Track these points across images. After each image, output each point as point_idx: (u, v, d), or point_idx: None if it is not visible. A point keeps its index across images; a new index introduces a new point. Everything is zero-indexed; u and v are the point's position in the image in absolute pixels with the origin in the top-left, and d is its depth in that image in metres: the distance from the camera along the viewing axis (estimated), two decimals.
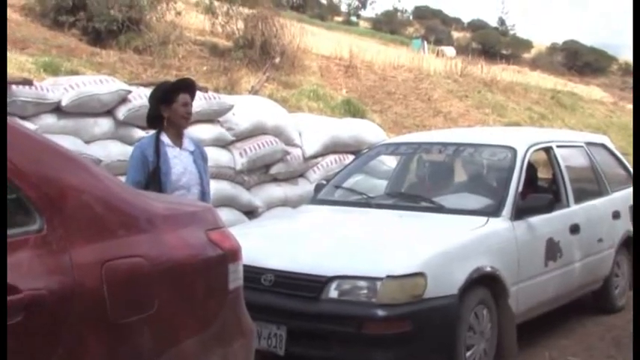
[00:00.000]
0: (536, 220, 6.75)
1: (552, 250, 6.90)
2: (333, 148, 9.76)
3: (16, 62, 10.47)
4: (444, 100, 19.78)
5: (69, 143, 7.23)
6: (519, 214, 6.62)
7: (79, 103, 7.63)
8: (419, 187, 7.77)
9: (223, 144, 8.74)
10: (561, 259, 7.02)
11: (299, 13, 46.14)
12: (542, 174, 8.61)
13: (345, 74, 19.48)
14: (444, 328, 5.55)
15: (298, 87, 16.22)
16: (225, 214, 8.17)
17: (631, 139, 13.40)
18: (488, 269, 6.00)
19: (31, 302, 2.78)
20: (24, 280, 2.79)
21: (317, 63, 19.32)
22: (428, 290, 5.47)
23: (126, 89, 8.05)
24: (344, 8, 71.61)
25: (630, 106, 26.14)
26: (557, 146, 7.80)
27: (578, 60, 57.42)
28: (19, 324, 2.74)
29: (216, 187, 7.83)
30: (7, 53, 10.69)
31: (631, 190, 8.13)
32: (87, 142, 7.68)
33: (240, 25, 17.58)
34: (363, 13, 72.90)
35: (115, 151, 7.80)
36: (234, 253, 3.80)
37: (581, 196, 7.68)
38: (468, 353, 5.77)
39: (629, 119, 22.11)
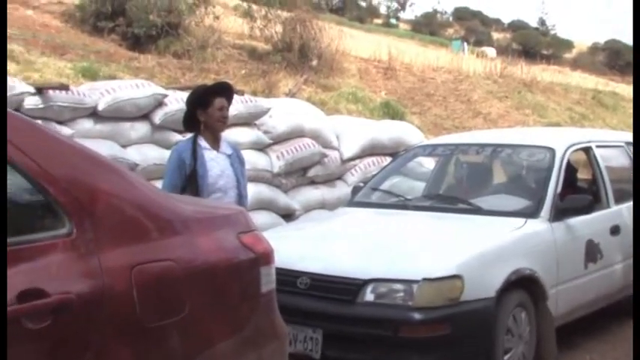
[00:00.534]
0: (575, 221, 6.66)
1: (592, 252, 6.80)
2: (371, 150, 9.72)
3: (55, 68, 10.54)
4: (483, 101, 19.64)
5: (106, 147, 7.27)
6: (558, 215, 6.53)
7: (115, 107, 7.66)
8: (456, 189, 7.69)
9: (261, 147, 8.74)
10: (601, 261, 6.91)
11: (338, 15, 46.17)
12: (583, 175, 8.49)
13: (384, 76, 19.42)
14: (481, 332, 5.48)
15: (337, 89, 16.19)
16: (262, 217, 8.18)
17: None
18: (527, 271, 5.92)
19: (60, 306, 2.78)
20: (52, 284, 2.78)
21: (356, 65, 19.26)
22: (465, 293, 5.41)
23: (162, 93, 8.07)
24: (383, 10, 71.68)
25: None
26: (597, 146, 7.67)
27: (620, 59, 56.77)
28: (48, 328, 2.74)
29: (253, 190, 7.83)
30: (46, 59, 10.79)
31: None
32: (123, 146, 7.71)
33: (279, 28, 17.58)
34: (402, 15, 72.88)
35: (152, 155, 7.82)
36: (266, 256, 3.78)
37: (621, 196, 7.54)
38: (506, 357, 5.69)
39: None
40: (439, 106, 18.57)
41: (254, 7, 18.33)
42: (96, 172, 3.18)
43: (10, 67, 9.90)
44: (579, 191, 7.48)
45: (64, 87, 7.44)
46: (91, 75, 10.72)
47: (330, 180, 9.50)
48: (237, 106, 8.19)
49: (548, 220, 6.45)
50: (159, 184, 6.18)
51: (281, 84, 14.96)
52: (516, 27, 70.48)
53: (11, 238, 2.76)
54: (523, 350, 5.89)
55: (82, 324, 2.86)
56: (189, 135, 6.20)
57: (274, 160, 8.74)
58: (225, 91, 6.12)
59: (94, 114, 7.62)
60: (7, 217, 2.77)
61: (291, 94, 13.73)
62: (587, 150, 7.59)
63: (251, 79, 14.90)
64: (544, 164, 6.99)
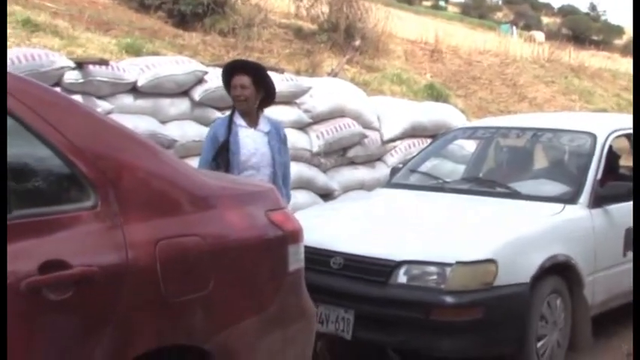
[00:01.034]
0: (615, 208, 6.53)
1: (631, 240, 6.70)
2: (412, 132, 9.63)
3: (99, 43, 10.56)
4: (529, 86, 19.42)
5: (145, 123, 7.29)
6: (598, 201, 6.42)
7: (155, 83, 7.66)
8: (495, 173, 7.60)
9: (300, 126, 8.71)
10: None
11: None
12: (627, 162, 8.36)
13: (430, 59, 19.26)
14: (515, 317, 5.41)
15: (382, 71, 16.09)
16: (301, 197, 8.17)
17: None
18: (563, 258, 5.83)
19: (82, 278, 2.78)
20: (75, 256, 2.79)
21: (402, 47, 19.12)
22: (499, 278, 5.33)
23: (202, 70, 8.06)
24: None
25: None
26: None
27: None
28: (69, 300, 2.75)
29: (293, 169, 7.79)
30: (90, 34, 10.83)
31: None
32: (163, 122, 7.71)
33: (325, 8, 17.48)
34: None
35: (191, 131, 7.82)
36: (295, 235, 3.76)
37: None
38: (540, 343, 5.62)
39: None
40: (485, 89, 18.40)
41: None
42: (125, 147, 3.18)
43: (54, 42, 9.94)
44: (621, 178, 7.34)
45: (104, 62, 7.46)
46: (134, 51, 10.72)
47: (369, 161, 9.44)
48: (277, 84, 8.15)
49: (587, 207, 6.35)
50: (197, 160, 6.20)
51: (325, 64, 14.88)
52: (566, 12, 69.77)
53: (35, 209, 2.77)
54: (557, 337, 5.82)
55: (104, 297, 2.86)
56: (228, 112, 6.19)
57: (314, 140, 8.70)
58: (242, 67, 6.09)
59: (134, 90, 7.62)
60: (33, 188, 2.79)
61: (333, 74, 13.64)
62: (630, 136, 7.46)
63: (295, 58, 14.85)
64: (585, 150, 6.88)
